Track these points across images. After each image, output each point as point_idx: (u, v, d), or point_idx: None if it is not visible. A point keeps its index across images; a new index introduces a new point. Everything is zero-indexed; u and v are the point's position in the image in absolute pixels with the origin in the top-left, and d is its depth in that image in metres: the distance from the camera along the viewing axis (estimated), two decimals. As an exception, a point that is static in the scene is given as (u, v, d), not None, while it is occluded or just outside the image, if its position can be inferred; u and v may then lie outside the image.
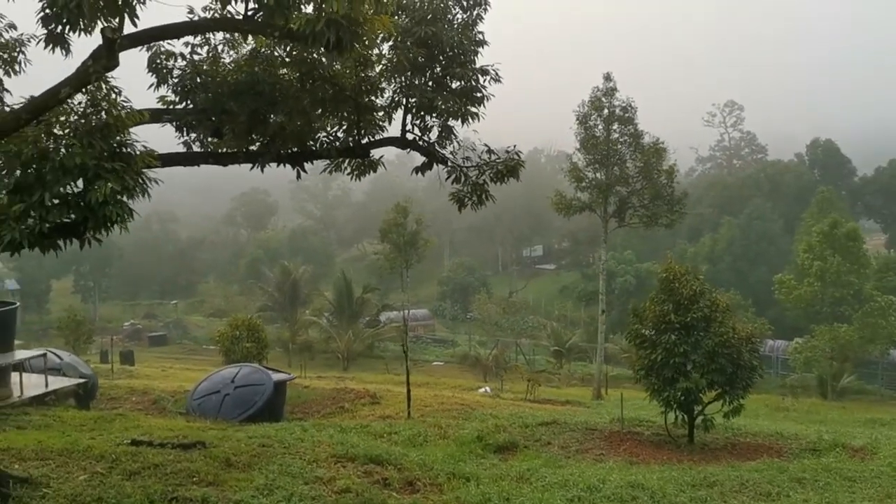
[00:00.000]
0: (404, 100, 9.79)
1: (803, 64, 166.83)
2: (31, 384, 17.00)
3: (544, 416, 17.03)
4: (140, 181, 7.37)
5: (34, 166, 6.91)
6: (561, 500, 9.35)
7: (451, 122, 9.73)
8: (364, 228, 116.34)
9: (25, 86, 8.56)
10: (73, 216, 7.06)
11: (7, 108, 8.82)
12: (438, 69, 9.41)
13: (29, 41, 10.38)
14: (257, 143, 10.42)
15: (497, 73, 9.54)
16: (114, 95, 7.26)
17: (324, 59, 9.75)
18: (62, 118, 7.45)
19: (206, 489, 8.80)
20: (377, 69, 9.94)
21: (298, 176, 10.50)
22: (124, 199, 7.15)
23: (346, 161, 10.81)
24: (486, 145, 9.73)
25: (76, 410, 16.70)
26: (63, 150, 6.80)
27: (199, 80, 9.70)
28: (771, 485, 11.01)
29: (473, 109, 9.60)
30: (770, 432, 15.91)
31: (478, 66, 9.44)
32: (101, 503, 8.24)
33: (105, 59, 7.01)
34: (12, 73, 10.06)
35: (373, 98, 10.03)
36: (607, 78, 29.28)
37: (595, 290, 70.50)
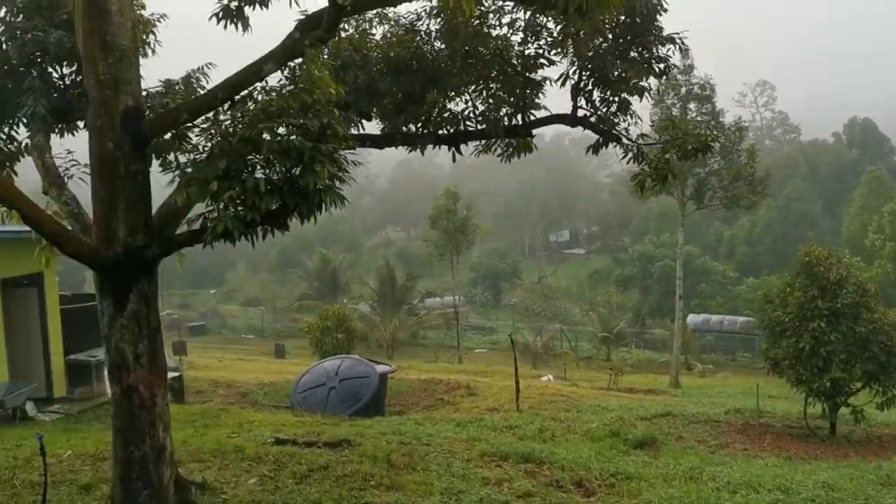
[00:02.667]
0: (578, 73, 9.10)
1: (831, 45, 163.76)
2: (125, 379, 16.53)
3: (656, 408, 16.41)
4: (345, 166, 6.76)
5: (248, 149, 6.29)
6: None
7: (628, 97, 9.03)
8: (388, 216, 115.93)
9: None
10: (282, 203, 6.43)
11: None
12: (622, 38, 8.67)
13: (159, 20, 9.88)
14: (407, 125, 9.79)
15: (683, 42, 8.82)
16: (315, 71, 6.61)
17: (492, 33, 9.09)
18: (259, 97, 6.84)
19: (392, 494, 8.24)
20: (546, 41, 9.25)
21: (454, 158, 9.86)
22: (337, 184, 6.53)
23: (497, 141, 10.16)
24: (671, 120, 9.02)
25: (175, 405, 16.22)
26: (278, 131, 6.17)
27: (357, 56, 9.06)
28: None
29: (653, 83, 8.90)
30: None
31: (664, 34, 8.72)
32: (288, 510, 7.70)
33: (324, 29, 6.36)
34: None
35: (538, 73, 9.36)
36: (684, 54, 28.20)
37: (631, 274, 70.06)
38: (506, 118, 9.53)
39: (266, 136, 6.14)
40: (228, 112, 6.94)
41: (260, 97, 6.75)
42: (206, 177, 6.39)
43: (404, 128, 9.68)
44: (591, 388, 21.96)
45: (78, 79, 9.38)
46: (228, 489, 8.28)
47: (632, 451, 12.12)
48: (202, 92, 7.84)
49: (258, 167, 6.49)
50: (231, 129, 6.36)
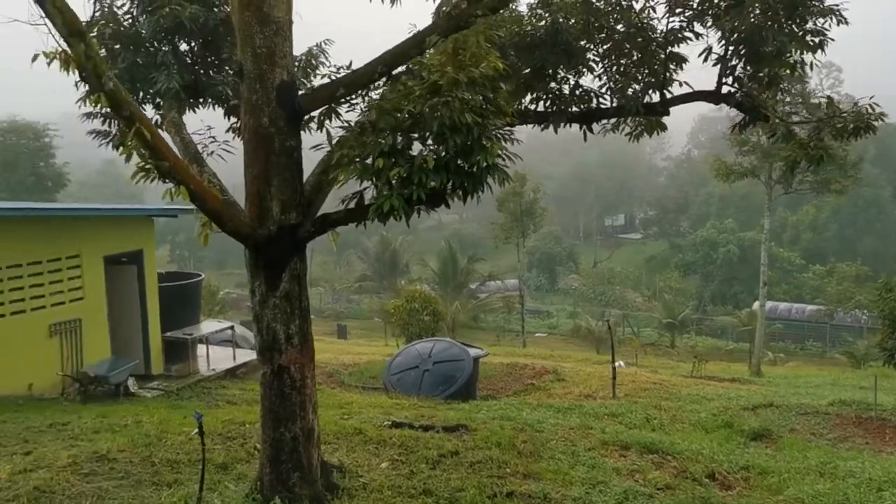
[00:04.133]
0: (725, 47, 8.65)
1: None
2: (219, 357, 16.68)
3: (755, 398, 15.90)
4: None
5: (417, 125, 6.05)
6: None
7: (779, 72, 8.55)
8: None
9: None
10: (447, 181, 6.18)
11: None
12: (778, 8, 8.16)
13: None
14: (537, 102, 9.47)
15: (842, 15, 8.30)
16: (475, 40, 6.31)
17: (634, 5, 8.70)
18: (415, 68, 6.60)
19: (532, 483, 8.01)
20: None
21: (585, 137, 9.51)
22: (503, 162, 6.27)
23: (627, 120, 9.77)
24: (827, 97, 8.54)
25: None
26: (451, 106, 5.90)
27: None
28: None
29: (807, 57, 8.40)
30: None
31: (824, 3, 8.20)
32: (432, 496, 7.52)
33: (499, -1, 6.08)
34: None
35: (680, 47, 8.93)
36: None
37: (692, 260, 68.77)
38: (641, 95, 9.13)
39: (439, 111, 5.88)
40: (386, 86, 6.74)
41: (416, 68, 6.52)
42: (370, 153, 6.18)
43: (532, 106, 9.37)
44: (675, 376, 21.42)
45: (207, 55, 9.31)
46: (364, 472, 8.14)
47: (749, 443, 11.69)
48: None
49: (424, 143, 6.25)
50: (396, 104, 6.11)
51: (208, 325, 17.06)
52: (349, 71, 7.20)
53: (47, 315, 13.36)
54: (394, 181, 6.17)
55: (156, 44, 8.88)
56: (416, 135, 6.19)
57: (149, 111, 9.42)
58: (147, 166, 6.03)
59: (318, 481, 7.10)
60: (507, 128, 6.52)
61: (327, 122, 7.44)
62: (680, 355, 41.69)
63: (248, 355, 17.27)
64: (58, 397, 13.29)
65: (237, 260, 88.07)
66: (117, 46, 8.97)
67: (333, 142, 6.85)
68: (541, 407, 13.96)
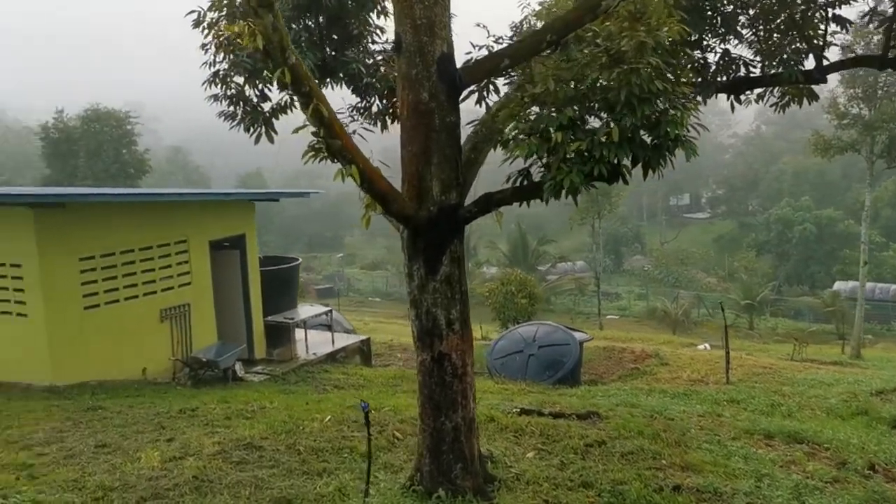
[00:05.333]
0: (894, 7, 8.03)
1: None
2: (317, 342, 16.59)
3: (876, 383, 15.14)
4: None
5: (602, 96, 5.64)
6: None
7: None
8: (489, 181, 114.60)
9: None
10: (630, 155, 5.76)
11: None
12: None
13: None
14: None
15: None
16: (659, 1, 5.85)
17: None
18: (587, 35, 6.18)
19: (696, 476, 7.58)
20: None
21: (732, 108, 8.97)
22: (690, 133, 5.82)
23: (774, 89, 9.18)
24: None
25: (365, 368, 16.15)
26: (640, 73, 5.47)
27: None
28: None
29: None
30: None
31: None
32: (592, 489, 7.16)
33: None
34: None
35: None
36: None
37: (766, 239, 66.85)
38: (794, 62, 8.53)
39: (629, 78, 5.46)
40: (551, 55, 6.33)
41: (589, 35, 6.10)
42: (548, 126, 5.79)
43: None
44: (778, 360, 20.63)
45: (332, 32, 9.03)
46: (512, 462, 7.83)
47: (892, 431, 11.04)
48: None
49: (600, 115, 5.85)
50: (578, 73, 5.71)
51: (306, 310, 16.98)
52: (510, 41, 6.81)
53: (158, 300, 13.40)
54: (570, 156, 5.78)
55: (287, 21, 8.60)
56: (595, 105, 5.78)
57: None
58: (318, 145, 5.76)
59: (479, 473, 6.81)
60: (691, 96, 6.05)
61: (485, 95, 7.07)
62: (762, 337, 40.58)
63: (345, 339, 17.19)
64: (169, 382, 13.35)
65: (298, 245, 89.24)
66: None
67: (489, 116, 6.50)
68: (654, 392, 13.46)
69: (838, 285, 51.41)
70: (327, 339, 16.66)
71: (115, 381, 12.47)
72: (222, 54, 9.10)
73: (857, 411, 11.98)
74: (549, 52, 6.36)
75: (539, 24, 8.83)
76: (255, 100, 9.20)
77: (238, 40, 5.17)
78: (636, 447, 8.30)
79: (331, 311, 17.26)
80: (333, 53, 8.75)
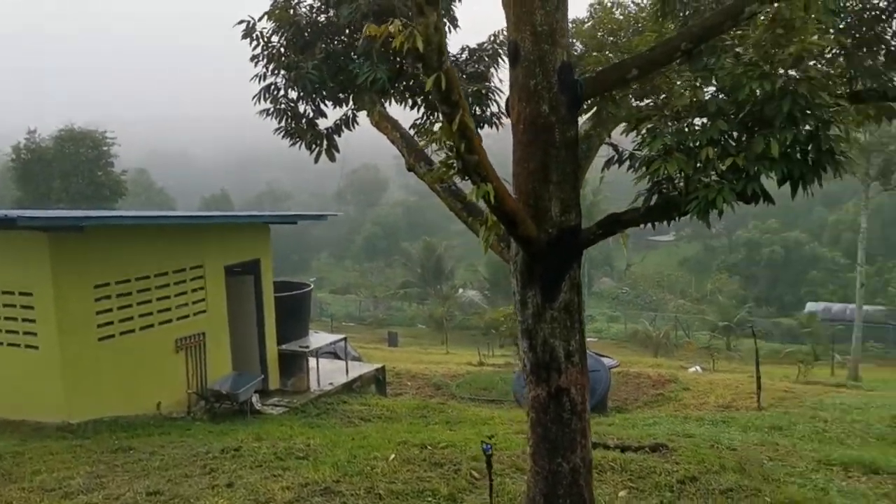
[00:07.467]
0: None
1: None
2: (329, 371, 15.91)
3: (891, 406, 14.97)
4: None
5: (761, 109, 5.20)
6: None
7: None
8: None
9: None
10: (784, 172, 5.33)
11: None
12: None
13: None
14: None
15: None
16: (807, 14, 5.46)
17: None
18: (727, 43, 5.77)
19: None
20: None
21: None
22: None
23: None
24: None
25: (383, 398, 15.48)
26: (808, 83, 5.05)
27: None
28: None
29: None
30: None
31: None
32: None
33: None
34: None
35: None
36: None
37: (735, 261, 67.67)
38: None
39: (795, 88, 5.03)
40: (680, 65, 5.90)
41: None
42: (697, 141, 5.33)
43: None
44: (789, 383, 20.45)
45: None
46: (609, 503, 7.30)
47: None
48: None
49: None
50: (734, 82, 5.27)
51: (318, 338, 16.26)
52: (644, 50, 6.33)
53: (174, 329, 12.61)
54: (718, 172, 5.33)
55: (351, 32, 8.08)
56: (748, 119, 5.34)
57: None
58: (451, 161, 5.20)
59: (596, 518, 6.25)
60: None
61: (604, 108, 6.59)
62: (743, 359, 40.65)
63: (359, 368, 16.50)
64: (185, 416, 12.54)
65: (290, 266, 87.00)
66: (307, 34, 8.17)
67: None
68: (691, 420, 13.08)
69: (809, 306, 52.07)
70: (340, 368, 15.97)
71: (130, 416, 11.64)
72: (273, 66, 8.55)
73: (898, 437, 11.72)
74: (679, 62, 5.91)
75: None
76: (310, 115, 8.62)
77: (392, 40, 4.56)
78: (732, 483, 7.83)
79: (345, 338, 16.56)
80: (404, 66, 8.20)
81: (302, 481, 7.53)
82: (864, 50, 8.30)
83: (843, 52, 5.69)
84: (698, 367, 29.57)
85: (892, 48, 8.29)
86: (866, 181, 28.02)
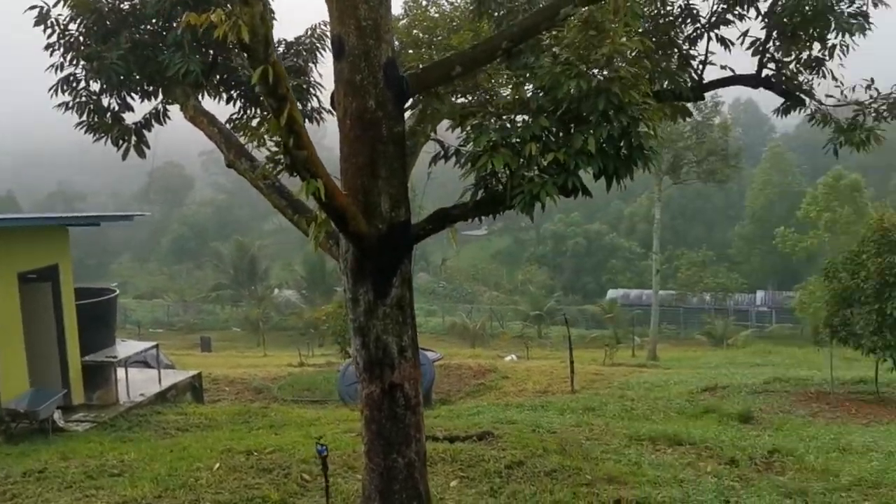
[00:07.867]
0: (766, 30, 8.61)
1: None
2: (140, 381, 14.98)
3: (695, 382, 16.40)
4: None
5: (582, 105, 5.45)
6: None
7: (821, 54, 8.59)
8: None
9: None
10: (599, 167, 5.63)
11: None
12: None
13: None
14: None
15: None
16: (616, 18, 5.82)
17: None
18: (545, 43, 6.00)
19: (626, 489, 7.61)
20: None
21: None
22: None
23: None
24: (870, 80, 8.64)
25: (200, 405, 14.79)
26: (620, 82, 5.37)
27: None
28: None
29: (847, 41, 8.49)
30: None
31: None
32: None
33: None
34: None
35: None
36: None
37: (543, 253, 71.21)
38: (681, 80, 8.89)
39: (608, 87, 5.33)
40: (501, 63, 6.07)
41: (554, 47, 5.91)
42: (521, 137, 5.51)
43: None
44: (597, 366, 21.77)
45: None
46: (442, 493, 7.41)
47: (742, 426, 11.91)
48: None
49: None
50: (553, 81, 5.48)
51: (126, 347, 15.22)
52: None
53: (-42, 344, 11.30)
54: (541, 167, 5.55)
55: (160, 21, 7.60)
56: (567, 116, 5.58)
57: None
58: (278, 157, 5.01)
59: (433, 510, 6.31)
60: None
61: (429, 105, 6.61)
62: (554, 345, 42.83)
63: (173, 376, 15.65)
64: (-26, 439, 11.30)
65: (87, 271, 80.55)
66: (109, 23, 7.60)
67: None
68: (512, 407, 13.60)
69: (610, 293, 55.78)
70: (152, 377, 15.04)
71: None
72: (72, 55, 7.90)
73: (704, 410, 12.83)
74: (500, 60, 6.08)
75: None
76: (116, 108, 8.03)
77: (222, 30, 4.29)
78: (555, 465, 8.19)
79: (156, 346, 15.62)
80: (218, 59, 7.82)
81: (119, 500, 7.02)
82: (660, 53, 9.02)
83: (645, 54, 6.03)
84: (514, 356, 30.79)
85: (684, 52, 9.07)
86: (658, 175, 30.48)
